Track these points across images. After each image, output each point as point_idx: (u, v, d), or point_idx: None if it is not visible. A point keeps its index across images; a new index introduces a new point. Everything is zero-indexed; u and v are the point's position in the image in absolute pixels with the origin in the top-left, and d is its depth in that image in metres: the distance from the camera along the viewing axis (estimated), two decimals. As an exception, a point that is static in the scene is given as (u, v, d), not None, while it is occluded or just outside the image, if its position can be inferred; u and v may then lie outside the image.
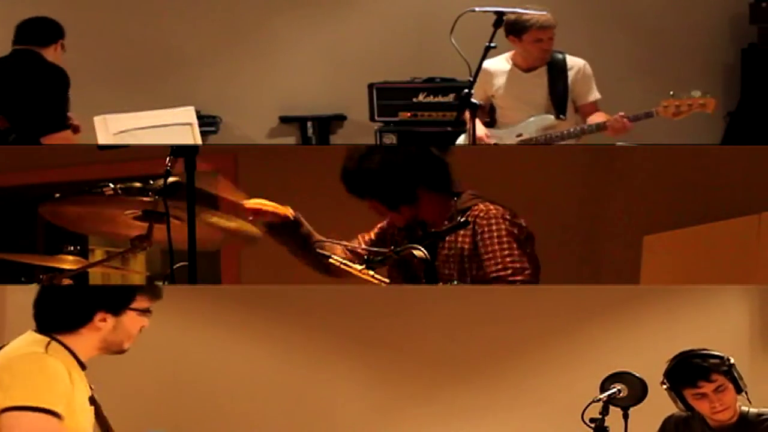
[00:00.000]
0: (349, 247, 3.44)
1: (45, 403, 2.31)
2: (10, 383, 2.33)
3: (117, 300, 2.55)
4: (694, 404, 3.12)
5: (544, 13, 4.77)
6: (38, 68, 4.78)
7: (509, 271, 3.26)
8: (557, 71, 4.92)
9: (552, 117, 4.91)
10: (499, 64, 5.01)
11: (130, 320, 2.57)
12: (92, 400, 2.54)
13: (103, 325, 2.54)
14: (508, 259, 3.26)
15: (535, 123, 4.91)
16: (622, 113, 4.72)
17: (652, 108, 4.72)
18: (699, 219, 4.12)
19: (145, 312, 2.58)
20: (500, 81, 4.99)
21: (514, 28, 4.83)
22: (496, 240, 3.29)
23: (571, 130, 4.84)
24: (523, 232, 3.32)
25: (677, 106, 4.68)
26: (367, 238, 3.50)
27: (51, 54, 4.84)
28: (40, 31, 4.84)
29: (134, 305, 2.56)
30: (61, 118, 4.66)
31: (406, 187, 3.34)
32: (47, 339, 2.49)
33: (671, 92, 4.69)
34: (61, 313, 2.53)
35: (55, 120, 4.66)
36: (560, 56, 4.94)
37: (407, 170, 3.34)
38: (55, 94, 4.73)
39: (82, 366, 2.53)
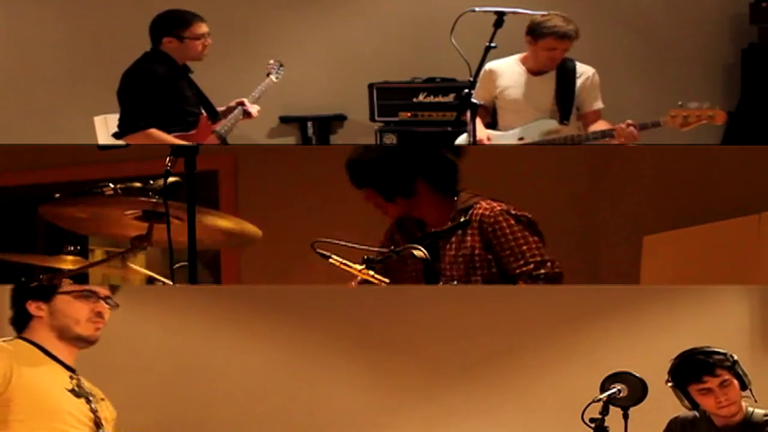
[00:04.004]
0: (349, 247, 3.45)
1: None
2: None
3: (42, 287, 2.68)
4: (700, 400, 3.13)
5: (564, 17, 4.72)
6: (129, 69, 4.80)
7: (531, 266, 3.29)
8: (566, 77, 4.90)
9: (555, 122, 4.88)
10: (508, 65, 4.99)
11: (65, 304, 2.66)
12: (76, 393, 2.62)
13: (42, 313, 2.66)
14: (528, 254, 3.30)
15: (538, 126, 4.88)
16: (629, 121, 4.65)
17: (659, 117, 4.63)
18: (699, 219, 4.12)
19: (81, 294, 2.66)
20: (507, 81, 4.97)
21: (534, 31, 4.79)
22: (510, 237, 3.31)
23: (575, 136, 4.80)
24: (531, 222, 3.35)
25: (685, 117, 4.58)
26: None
27: (168, 49, 4.80)
28: (151, 30, 4.84)
29: (63, 289, 2.67)
30: (141, 118, 4.66)
31: (404, 178, 3.36)
32: (13, 338, 2.66)
33: (679, 102, 4.60)
34: (15, 312, 2.70)
35: (133, 120, 4.66)
36: (570, 62, 4.92)
37: (408, 161, 3.36)
38: (132, 94, 4.72)
39: (55, 359, 2.64)
